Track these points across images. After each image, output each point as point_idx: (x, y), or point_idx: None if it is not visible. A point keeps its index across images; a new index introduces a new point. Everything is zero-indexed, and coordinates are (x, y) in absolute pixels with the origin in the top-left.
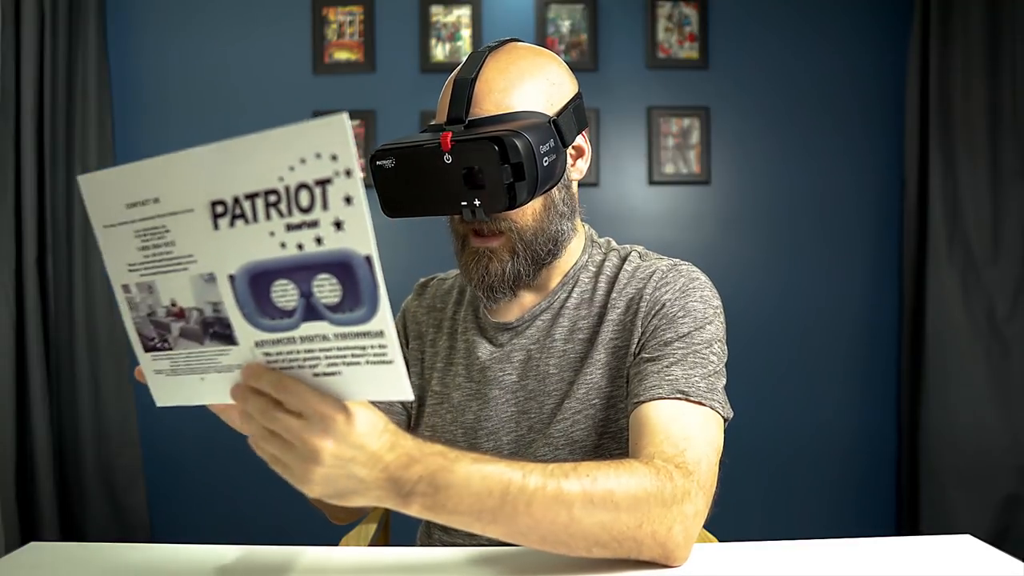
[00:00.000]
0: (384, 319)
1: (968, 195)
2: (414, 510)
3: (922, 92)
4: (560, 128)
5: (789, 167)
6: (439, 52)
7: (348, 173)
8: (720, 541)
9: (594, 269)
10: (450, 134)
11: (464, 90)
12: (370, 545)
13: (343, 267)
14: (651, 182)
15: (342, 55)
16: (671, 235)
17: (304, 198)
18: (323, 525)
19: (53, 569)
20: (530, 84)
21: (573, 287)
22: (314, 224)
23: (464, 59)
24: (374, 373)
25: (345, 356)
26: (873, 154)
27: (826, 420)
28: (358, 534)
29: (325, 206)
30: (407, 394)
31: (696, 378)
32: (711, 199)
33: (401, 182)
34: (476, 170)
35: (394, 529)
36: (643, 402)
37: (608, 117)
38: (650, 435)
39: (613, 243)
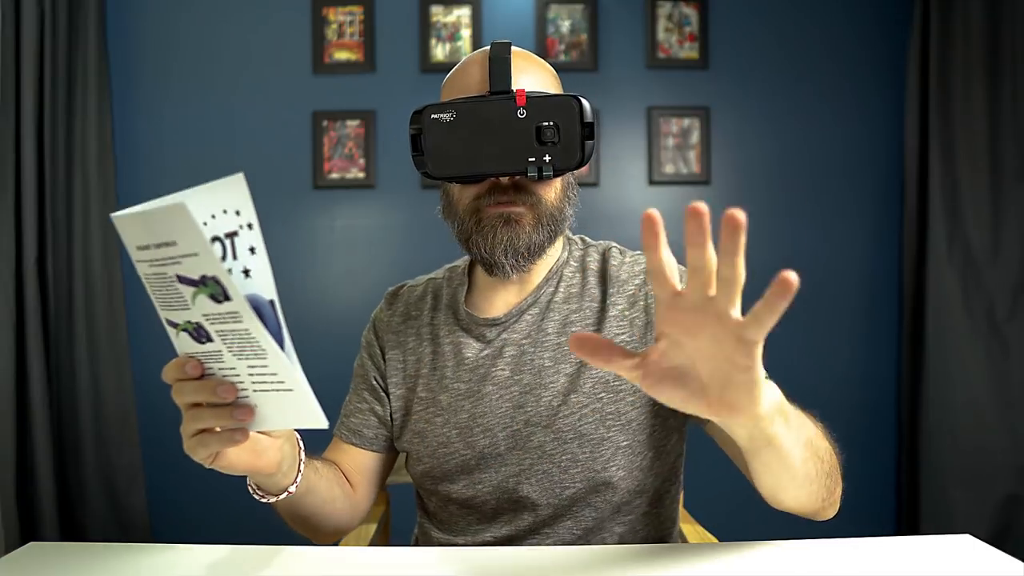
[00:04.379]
0: (289, 354)
1: (968, 195)
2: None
3: (922, 92)
4: None
5: (789, 167)
6: (439, 52)
7: (250, 226)
8: (720, 541)
9: (576, 264)
10: (524, 90)
11: (505, 65)
12: (370, 545)
13: (253, 308)
14: (651, 182)
15: (342, 55)
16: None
17: (217, 249)
18: None
19: (53, 569)
20: (551, 76)
21: (559, 282)
22: (229, 272)
23: (467, 56)
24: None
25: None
26: (873, 154)
27: (826, 419)
28: (358, 534)
29: (235, 256)
30: (320, 421)
31: None
32: (711, 199)
33: (459, 138)
34: (550, 126)
35: (394, 529)
36: None
37: (608, 117)
38: None
39: (588, 239)
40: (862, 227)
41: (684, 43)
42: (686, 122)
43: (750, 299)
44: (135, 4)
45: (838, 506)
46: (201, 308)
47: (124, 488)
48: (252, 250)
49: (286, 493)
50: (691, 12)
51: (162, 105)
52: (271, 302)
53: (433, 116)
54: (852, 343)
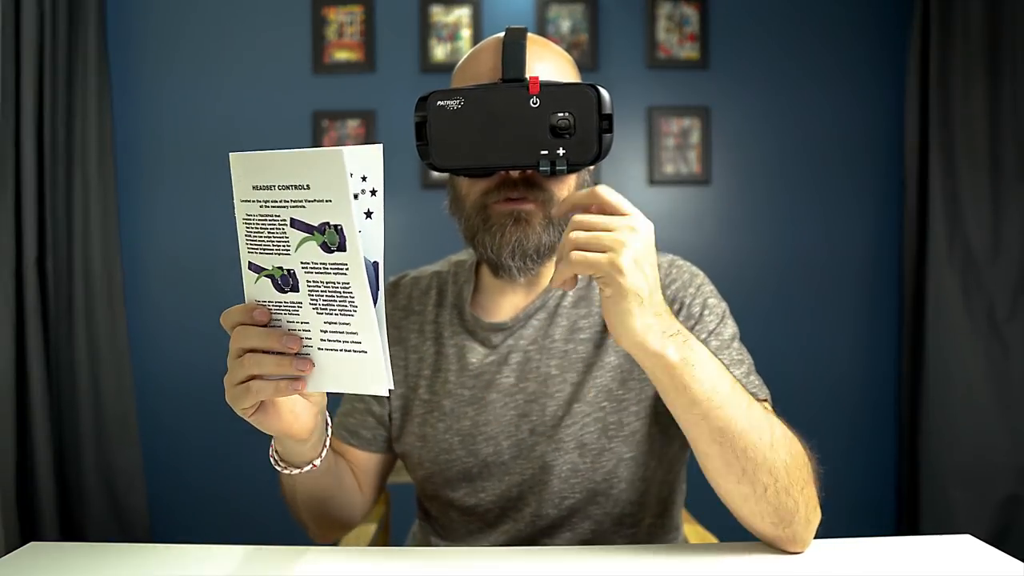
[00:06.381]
0: (379, 312)
1: (968, 195)
2: (671, 354)
3: (922, 92)
4: None
5: (789, 167)
6: (439, 52)
7: (374, 192)
8: (720, 541)
9: None
10: (538, 77)
11: (519, 51)
12: (370, 545)
13: None
14: (651, 182)
15: (342, 55)
16: (671, 235)
17: None
18: None
19: (53, 569)
20: (570, 65)
21: None
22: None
23: (481, 43)
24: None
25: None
26: (873, 154)
27: (826, 419)
28: (358, 534)
29: None
30: (383, 388)
31: (752, 376)
32: (711, 199)
33: (466, 127)
34: (566, 117)
35: (394, 529)
36: None
37: None
38: None
39: None
40: (862, 227)
41: (684, 43)
42: (686, 122)
43: (752, 298)
44: (135, 4)
45: (806, 540)
46: (303, 255)
47: (124, 488)
48: (368, 214)
49: (310, 466)
50: (691, 12)
51: (162, 105)
52: (375, 264)
53: (439, 103)
54: (852, 343)
